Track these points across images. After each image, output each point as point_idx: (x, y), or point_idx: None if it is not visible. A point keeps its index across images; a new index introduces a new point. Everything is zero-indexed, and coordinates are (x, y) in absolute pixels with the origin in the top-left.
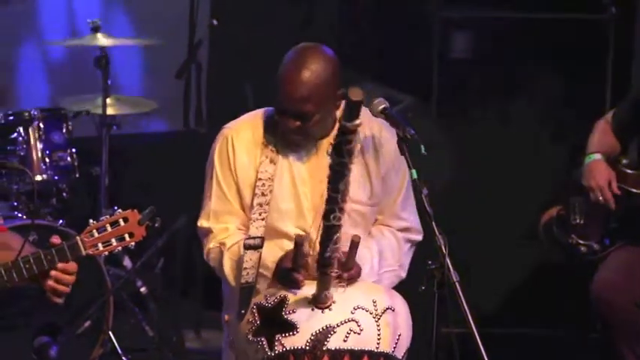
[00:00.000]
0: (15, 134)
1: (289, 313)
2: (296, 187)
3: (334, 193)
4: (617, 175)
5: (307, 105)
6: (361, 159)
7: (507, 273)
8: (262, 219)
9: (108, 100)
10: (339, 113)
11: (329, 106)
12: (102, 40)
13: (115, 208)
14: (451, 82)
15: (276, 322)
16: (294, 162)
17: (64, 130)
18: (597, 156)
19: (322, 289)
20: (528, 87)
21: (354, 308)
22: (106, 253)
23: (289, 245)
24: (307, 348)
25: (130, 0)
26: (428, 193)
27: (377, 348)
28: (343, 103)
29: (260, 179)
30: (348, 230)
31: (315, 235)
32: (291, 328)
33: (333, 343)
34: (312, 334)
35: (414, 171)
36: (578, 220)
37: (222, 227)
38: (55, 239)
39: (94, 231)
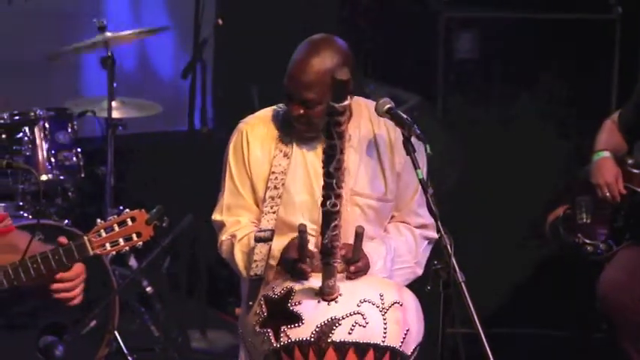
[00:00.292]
0: (20, 134)
1: (295, 304)
2: (310, 180)
3: (328, 178)
4: (623, 175)
5: (311, 92)
6: (375, 154)
7: (513, 273)
8: (274, 212)
9: (113, 104)
10: (355, 108)
11: None
12: (107, 39)
13: (121, 207)
14: (456, 82)
15: (282, 313)
16: (309, 156)
17: (70, 130)
18: (605, 153)
19: (326, 278)
20: (533, 87)
21: (360, 301)
22: (114, 252)
23: None
24: (312, 340)
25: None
26: (434, 193)
27: (383, 342)
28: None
29: (273, 172)
30: (361, 224)
31: None
32: (296, 319)
33: (338, 335)
34: (317, 326)
35: (419, 171)
36: (584, 220)
37: (234, 220)
38: (63, 239)
39: (102, 231)
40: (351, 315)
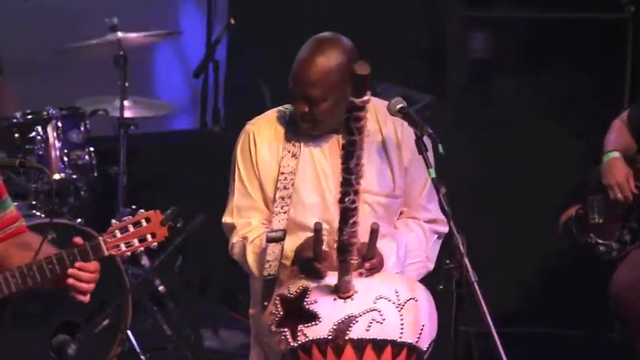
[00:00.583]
0: (33, 133)
1: (311, 303)
2: (320, 181)
3: (347, 175)
4: (634, 174)
5: (315, 89)
6: (383, 151)
7: (525, 272)
8: (284, 212)
9: (125, 103)
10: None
11: (340, 96)
12: (119, 38)
13: (134, 206)
14: (469, 82)
15: (298, 312)
16: (316, 156)
17: (82, 129)
18: (615, 154)
19: (343, 276)
20: (546, 86)
21: (376, 298)
22: (129, 253)
23: None
24: (330, 337)
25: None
26: (446, 192)
27: (400, 338)
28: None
29: (282, 173)
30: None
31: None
32: (313, 318)
33: (356, 332)
34: (334, 324)
35: (432, 170)
36: (597, 220)
37: (245, 222)
38: (78, 239)
39: (117, 231)
40: (367, 312)
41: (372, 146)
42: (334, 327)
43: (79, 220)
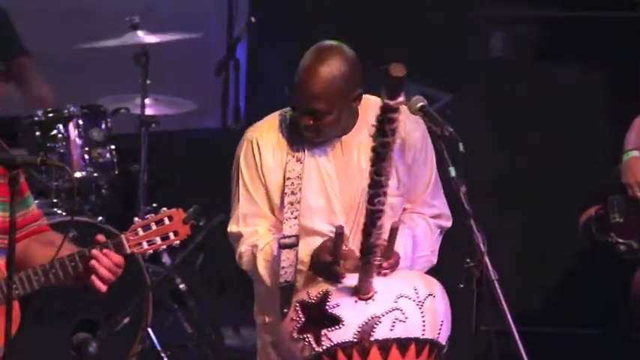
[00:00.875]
0: (55, 131)
1: (333, 307)
2: (325, 184)
3: (378, 177)
4: None
5: (320, 103)
6: None
7: (546, 271)
8: (295, 217)
9: (147, 101)
10: (361, 107)
11: (345, 106)
12: (140, 37)
13: (154, 204)
14: (489, 80)
15: (320, 317)
16: (321, 161)
17: (104, 127)
18: (635, 153)
19: (365, 278)
20: (564, 85)
21: (397, 297)
22: (151, 251)
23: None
24: (355, 340)
25: None
26: (466, 191)
27: (423, 335)
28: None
29: (289, 178)
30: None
31: (349, 232)
32: (336, 322)
33: (380, 333)
34: (358, 326)
35: (452, 169)
36: (617, 219)
37: (252, 230)
38: (100, 237)
39: (139, 229)
40: (390, 311)
41: None
42: (358, 329)
43: (100, 218)
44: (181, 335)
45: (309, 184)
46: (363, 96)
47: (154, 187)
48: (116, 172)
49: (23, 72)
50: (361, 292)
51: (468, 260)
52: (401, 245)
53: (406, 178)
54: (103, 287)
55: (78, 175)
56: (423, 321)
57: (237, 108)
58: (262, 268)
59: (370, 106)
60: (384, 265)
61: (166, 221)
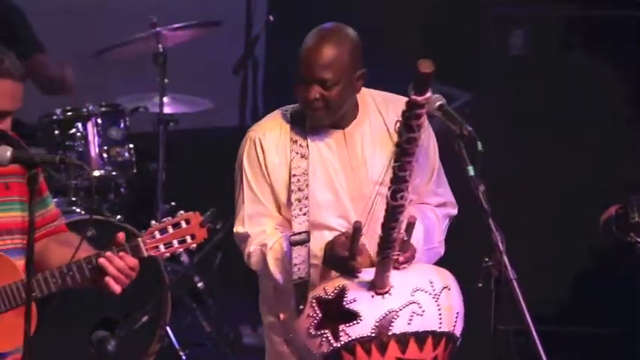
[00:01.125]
0: (73, 130)
1: (350, 302)
2: (331, 178)
3: (401, 172)
4: None
5: (328, 71)
6: (389, 142)
7: (565, 271)
8: (304, 214)
9: (165, 99)
10: (361, 103)
11: (349, 82)
12: (159, 36)
13: (173, 203)
14: (508, 79)
15: (337, 313)
16: (325, 154)
17: (122, 126)
18: None
19: (382, 272)
20: (584, 83)
21: (413, 290)
22: (168, 254)
23: (331, 237)
24: (373, 335)
25: None
26: (485, 190)
27: (439, 328)
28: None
29: (294, 175)
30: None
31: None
32: (354, 317)
33: (398, 327)
34: (376, 321)
35: (470, 168)
36: (637, 219)
37: (260, 230)
38: (121, 235)
39: (156, 232)
40: (407, 305)
41: (377, 138)
42: (376, 324)
43: (118, 216)
44: (199, 334)
45: (315, 179)
46: (362, 89)
47: (172, 185)
48: (134, 171)
49: (40, 68)
50: (378, 286)
51: (487, 259)
52: (414, 239)
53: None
54: (117, 289)
55: (96, 173)
56: (440, 314)
57: (256, 107)
58: (273, 267)
59: (370, 98)
60: (401, 259)
61: (183, 224)
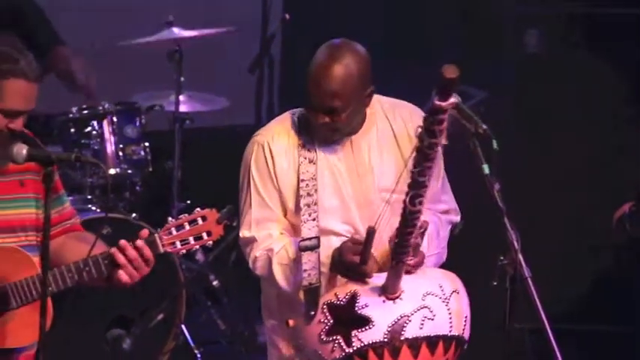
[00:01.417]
0: (89, 128)
1: (362, 307)
2: (338, 184)
3: (421, 177)
4: None
5: (336, 100)
6: (395, 148)
7: (580, 269)
8: (313, 219)
9: (181, 97)
10: (369, 111)
11: (359, 103)
12: (175, 34)
13: (188, 201)
14: (523, 78)
15: (349, 318)
16: (333, 161)
17: (138, 124)
18: None
19: (396, 277)
20: (599, 82)
21: (423, 295)
22: (184, 251)
23: (337, 242)
24: (385, 340)
25: None
26: (500, 189)
27: (450, 332)
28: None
29: (303, 180)
30: (392, 221)
31: (364, 230)
32: (366, 322)
33: (410, 331)
34: (388, 326)
35: (485, 166)
36: None
37: (266, 234)
38: (145, 233)
39: (173, 229)
40: (418, 310)
41: (384, 144)
42: (388, 329)
43: (133, 214)
44: (214, 332)
45: (323, 185)
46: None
47: (188, 184)
48: (150, 169)
49: (61, 62)
50: (389, 291)
51: (502, 258)
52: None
53: None
54: (127, 279)
55: (112, 171)
56: (450, 318)
57: (271, 105)
58: (278, 273)
59: (378, 104)
60: (412, 263)
61: (200, 221)
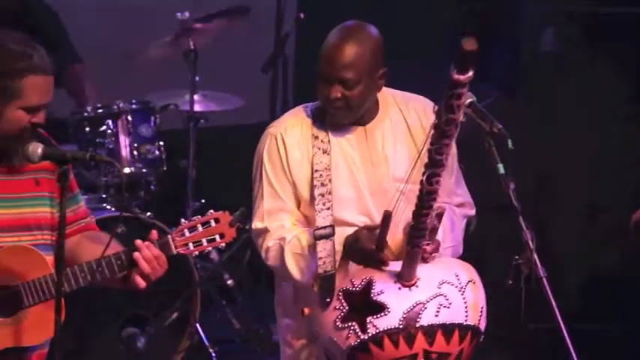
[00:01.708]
0: (104, 127)
1: (377, 294)
2: (352, 173)
3: (438, 155)
4: None
5: (350, 71)
6: (409, 140)
7: (596, 269)
8: (327, 208)
9: (195, 97)
10: (381, 101)
11: (371, 80)
12: (189, 33)
13: (203, 201)
14: (539, 76)
15: (364, 305)
16: (347, 150)
17: (152, 123)
18: None
19: (411, 264)
20: (614, 81)
21: (439, 283)
22: (197, 253)
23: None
24: (401, 327)
25: None
26: (515, 188)
27: (465, 321)
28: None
29: (317, 171)
30: (406, 211)
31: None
32: (381, 309)
33: (426, 319)
34: (403, 313)
35: (500, 165)
36: None
37: (278, 225)
38: (154, 233)
39: (186, 230)
40: (434, 297)
41: (398, 136)
42: (404, 316)
43: (148, 213)
44: (229, 331)
45: (338, 175)
46: (383, 88)
47: (202, 183)
48: (164, 168)
49: (77, 80)
50: (405, 278)
51: (517, 257)
52: (437, 234)
53: None
54: (142, 283)
55: (127, 170)
56: (466, 307)
57: (286, 104)
58: (291, 262)
59: (391, 97)
60: (428, 249)
61: (213, 223)
